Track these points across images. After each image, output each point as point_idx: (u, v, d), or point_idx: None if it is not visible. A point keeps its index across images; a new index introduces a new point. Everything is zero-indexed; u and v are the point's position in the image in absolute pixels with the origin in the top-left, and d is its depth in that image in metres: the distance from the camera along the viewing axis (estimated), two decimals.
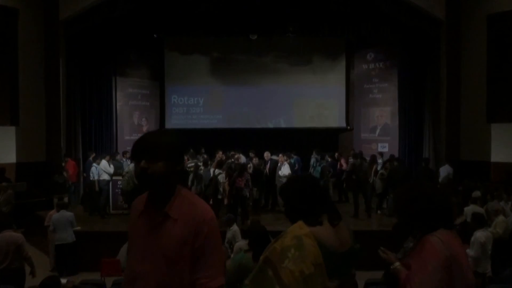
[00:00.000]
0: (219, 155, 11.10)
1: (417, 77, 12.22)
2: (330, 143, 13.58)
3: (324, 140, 13.98)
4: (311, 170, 12.13)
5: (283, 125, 14.73)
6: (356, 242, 1.78)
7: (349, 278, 1.70)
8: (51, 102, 11.13)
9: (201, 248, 1.62)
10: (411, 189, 2.00)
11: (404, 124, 12.73)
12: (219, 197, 9.14)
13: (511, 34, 10.34)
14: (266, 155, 11.22)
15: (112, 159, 10.75)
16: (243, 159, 11.29)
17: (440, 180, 10.33)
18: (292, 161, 11.05)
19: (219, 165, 9.48)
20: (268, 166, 10.91)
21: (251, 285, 1.59)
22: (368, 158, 10.81)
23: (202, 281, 1.61)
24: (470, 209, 7.28)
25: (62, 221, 7.54)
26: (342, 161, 11.94)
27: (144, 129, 14.42)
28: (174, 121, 14.86)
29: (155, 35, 13.71)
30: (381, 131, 14.01)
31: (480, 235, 5.73)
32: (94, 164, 10.16)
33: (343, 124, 14.84)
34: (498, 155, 10.54)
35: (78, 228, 8.01)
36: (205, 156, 11.23)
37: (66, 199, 9.63)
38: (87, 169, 10.76)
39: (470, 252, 5.76)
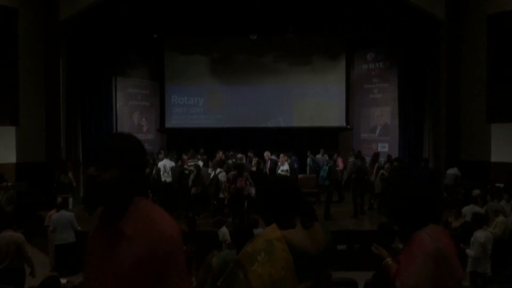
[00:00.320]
0: (220, 155, 11.11)
1: (417, 77, 12.22)
2: (330, 143, 13.58)
3: (324, 140, 13.98)
4: (308, 170, 12.17)
5: (282, 125, 14.73)
6: (333, 242, 1.80)
7: (323, 279, 1.71)
8: (51, 102, 11.13)
9: (159, 271, 1.39)
10: (399, 189, 2.08)
11: (404, 124, 12.73)
12: (221, 196, 9.14)
13: (511, 34, 10.34)
14: (266, 155, 11.23)
15: None
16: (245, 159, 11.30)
17: (445, 181, 10.30)
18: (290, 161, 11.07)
19: (220, 165, 9.48)
20: (268, 166, 10.92)
21: (222, 286, 1.59)
22: (367, 158, 10.83)
23: None
24: (469, 208, 7.29)
25: (62, 221, 7.54)
26: (340, 161, 11.96)
27: (144, 129, 14.43)
28: (174, 121, 14.87)
29: (155, 35, 13.71)
30: (381, 131, 14.01)
31: (480, 235, 5.73)
32: None
33: (343, 124, 14.85)
34: (498, 155, 10.54)
35: (79, 228, 8.01)
36: (205, 156, 11.24)
37: (71, 200, 9.71)
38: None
39: (470, 252, 5.77)
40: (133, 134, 1.55)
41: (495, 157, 10.60)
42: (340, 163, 11.91)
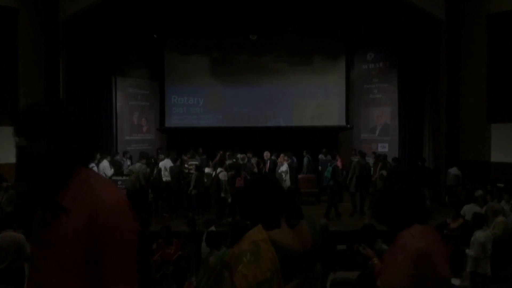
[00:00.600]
0: (220, 155, 11.11)
1: (417, 77, 12.23)
2: (330, 143, 13.58)
3: (324, 140, 13.99)
4: (305, 169, 12.17)
5: (282, 125, 14.73)
6: (324, 236, 1.82)
7: (312, 276, 1.71)
8: None
9: (97, 249, 1.20)
10: (386, 189, 2.11)
11: (404, 124, 12.73)
12: (222, 195, 9.14)
13: (511, 34, 10.34)
14: (266, 154, 11.24)
15: (112, 159, 10.82)
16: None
17: (447, 181, 10.28)
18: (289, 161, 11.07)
19: (220, 164, 9.48)
20: (267, 165, 10.92)
21: (210, 287, 1.58)
22: (366, 158, 10.84)
23: None
24: (469, 208, 7.29)
25: None
26: (338, 160, 11.96)
27: (144, 129, 14.43)
28: (174, 121, 14.87)
29: (155, 35, 13.72)
30: (381, 131, 14.01)
31: (480, 235, 5.73)
32: (93, 164, 10.19)
33: (343, 124, 14.85)
34: (498, 155, 10.53)
35: None
36: (203, 156, 11.26)
37: None
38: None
39: (470, 252, 5.76)
40: (70, 100, 1.46)
41: (495, 157, 10.60)
42: (338, 163, 11.91)
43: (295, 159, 11.75)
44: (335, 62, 14.80)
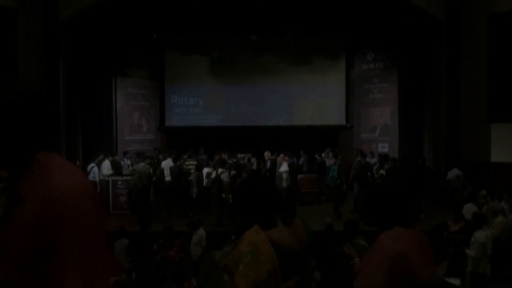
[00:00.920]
0: (222, 155, 11.11)
1: (417, 77, 12.22)
2: (330, 143, 13.58)
3: (324, 140, 13.99)
4: (304, 169, 12.18)
5: (282, 124, 14.71)
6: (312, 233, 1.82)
7: (308, 273, 1.72)
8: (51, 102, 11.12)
9: (50, 237, 1.11)
10: (373, 189, 2.08)
11: (404, 124, 12.73)
12: (224, 196, 9.13)
13: (511, 34, 10.34)
14: (266, 154, 11.23)
15: (113, 159, 10.87)
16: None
17: (450, 183, 10.14)
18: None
19: (221, 165, 9.47)
20: (268, 165, 10.92)
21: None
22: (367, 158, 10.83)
23: None
24: (467, 207, 7.30)
25: None
26: (334, 160, 11.97)
27: (144, 129, 14.43)
28: (174, 121, 14.88)
29: (155, 35, 13.72)
30: (381, 131, 14.01)
31: (480, 235, 5.73)
32: (92, 164, 10.21)
33: (343, 124, 14.86)
34: (498, 155, 10.53)
35: None
36: (202, 156, 11.27)
37: None
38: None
39: (470, 252, 5.76)
40: (23, 81, 1.31)
41: (495, 157, 10.60)
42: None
43: (295, 159, 11.75)
44: (335, 62, 14.80)
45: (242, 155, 11.11)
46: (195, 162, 10.50)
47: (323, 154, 12.31)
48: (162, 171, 10.02)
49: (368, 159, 11.63)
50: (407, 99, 12.63)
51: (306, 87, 14.57)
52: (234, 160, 10.67)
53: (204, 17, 12.32)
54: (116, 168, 10.81)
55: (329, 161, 11.60)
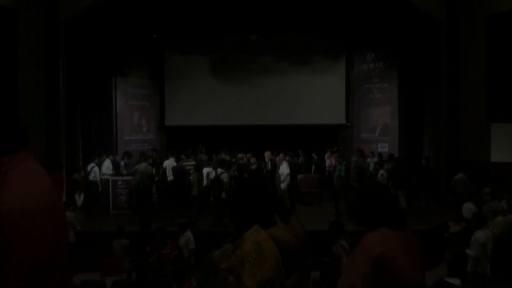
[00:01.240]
0: (222, 155, 11.10)
1: (417, 77, 12.22)
2: (330, 143, 13.58)
3: (324, 140, 13.99)
4: (303, 168, 12.21)
5: (282, 124, 14.71)
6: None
7: (306, 270, 1.73)
8: (51, 102, 11.12)
9: None
10: (361, 189, 2.09)
11: (404, 124, 12.73)
12: (223, 196, 9.12)
13: (511, 34, 10.34)
14: (267, 155, 11.22)
15: (114, 159, 10.94)
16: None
17: (457, 189, 9.82)
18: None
19: (221, 165, 9.47)
20: (268, 166, 10.91)
21: None
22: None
23: None
24: (466, 206, 7.31)
25: None
26: (332, 160, 12.00)
27: (144, 129, 14.44)
28: (174, 120, 14.88)
29: (155, 35, 13.72)
30: (381, 131, 14.01)
31: (480, 235, 5.73)
32: (93, 164, 10.22)
33: (343, 123, 14.86)
34: (498, 155, 10.53)
35: (78, 227, 8.03)
36: (199, 156, 11.26)
37: (81, 196, 10.19)
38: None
39: (470, 252, 5.76)
40: None
41: (495, 157, 10.60)
42: (332, 162, 11.98)
43: (296, 159, 11.76)
44: (335, 62, 14.81)
45: (242, 155, 11.10)
46: (193, 162, 10.50)
47: (326, 155, 12.34)
48: (164, 171, 10.02)
49: (368, 160, 11.66)
50: (407, 99, 12.63)
51: (306, 87, 14.57)
52: (233, 160, 10.66)
53: (204, 17, 12.32)
54: (116, 168, 10.84)
55: (328, 161, 11.59)
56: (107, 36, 12.15)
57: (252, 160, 10.80)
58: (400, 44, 12.73)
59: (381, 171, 10.16)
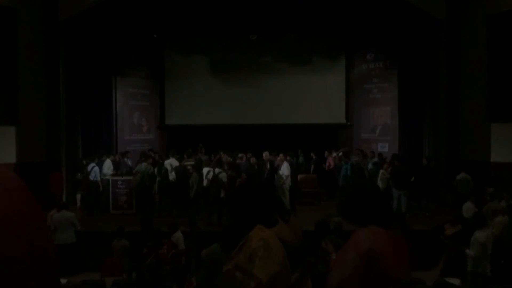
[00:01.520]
0: (221, 155, 11.10)
1: (417, 77, 12.22)
2: (330, 144, 13.58)
3: (324, 140, 13.98)
4: (302, 168, 12.23)
5: (282, 123, 14.71)
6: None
7: (307, 267, 1.75)
8: (51, 102, 11.13)
9: None
10: (350, 187, 2.11)
11: (404, 124, 12.73)
12: (222, 196, 9.12)
13: (511, 34, 10.34)
14: (266, 155, 11.21)
15: (114, 159, 10.94)
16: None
17: (459, 189, 9.81)
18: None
19: (219, 165, 9.46)
20: (268, 166, 10.89)
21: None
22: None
23: None
24: (467, 205, 7.31)
25: (62, 221, 7.53)
26: (330, 160, 12.00)
27: (144, 129, 14.44)
28: (174, 120, 14.88)
29: (155, 36, 13.72)
30: (381, 131, 14.01)
31: (480, 235, 5.73)
32: (93, 164, 10.22)
33: (343, 122, 14.86)
34: (498, 155, 10.53)
35: (78, 227, 8.03)
36: (198, 156, 11.25)
37: (78, 196, 10.29)
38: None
39: (470, 252, 5.76)
40: None
41: (495, 157, 10.60)
42: (331, 162, 12.00)
43: (296, 159, 11.76)
44: (335, 62, 14.81)
45: (241, 154, 11.10)
46: (193, 162, 10.50)
47: (334, 154, 12.37)
48: (166, 171, 10.02)
49: (368, 159, 11.66)
50: (407, 99, 12.62)
51: (306, 87, 14.57)
52: (231, 159, 10.65)
53: (204, 17, 12.32)
54: (116, 168, 10.85)
55: (328, 161, 11.59)
56: (107, 36, 12.15)
57: (252, 160, 10.79)
58: (400, 44, 12.73)
59: (381, 171, 10.16)
